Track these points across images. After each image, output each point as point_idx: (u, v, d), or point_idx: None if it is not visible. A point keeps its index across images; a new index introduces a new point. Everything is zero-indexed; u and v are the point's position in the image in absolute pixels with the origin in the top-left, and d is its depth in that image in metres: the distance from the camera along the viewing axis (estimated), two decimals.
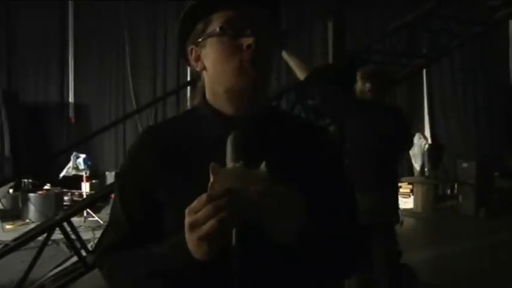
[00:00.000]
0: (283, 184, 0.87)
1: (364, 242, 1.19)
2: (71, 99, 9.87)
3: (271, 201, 0.85)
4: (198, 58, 1.08)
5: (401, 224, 3.23)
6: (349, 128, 3.28)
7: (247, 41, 0.99)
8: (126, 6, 9.38)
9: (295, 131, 1.14)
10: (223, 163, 0.90)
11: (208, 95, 1.10)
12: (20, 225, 6.76)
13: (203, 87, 1.11)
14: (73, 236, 3.64)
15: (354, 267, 1.12)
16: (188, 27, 1.07)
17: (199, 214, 0.84)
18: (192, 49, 1.09)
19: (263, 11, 1.04)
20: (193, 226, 0.85)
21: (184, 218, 0.87)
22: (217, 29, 1.01)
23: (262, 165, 0.88)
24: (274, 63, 1.09)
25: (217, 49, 1.02)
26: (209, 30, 1.03)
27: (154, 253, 0.99)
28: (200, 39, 1.05)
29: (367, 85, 3.12)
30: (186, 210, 0.86)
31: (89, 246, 4.01)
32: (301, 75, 3.30)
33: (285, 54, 3.50)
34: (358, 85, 3.18)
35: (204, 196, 0.84)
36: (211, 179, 0.86)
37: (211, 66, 1.05)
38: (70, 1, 9.76)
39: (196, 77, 1.13)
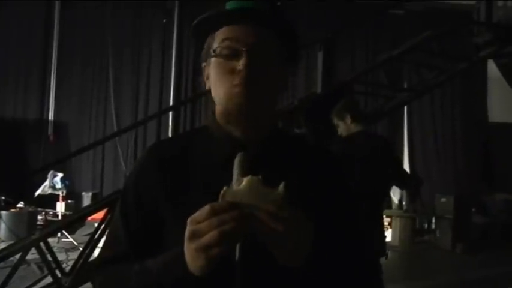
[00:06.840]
0: (294, 207, 0.84)
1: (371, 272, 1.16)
2: (50, 116, 9.69)
3: (280, 224, 0.82)
4: (208, 76, 1.07)
5: (387, 257, 3.20)
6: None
7: (238, 64, 0.97)
8: (111, 25, 9.33)
9: (304, 153, 1.12)
10: (229, 182, 0.87)
11: (216, 114, 1.08)
12: None
13: (213, 106, 1.09)
14: (48, 257, 3.53)
15: None
16: (201, 42, 1.06)
17: (202, 224, 0.82)
18: (204, 66, 1.08)
19: (265, 31, 0.99)
20: (194, 235, 0.83)
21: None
22: (212, 51, 1.00)
23: (281, 186, 0.85)
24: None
25: (214, 70, 1.01)
26: (211, 49, 1.02)
27: (148, 267, 0.96)
28: (206, 59, 1.05)
29: (348, 117, 3.18)
30: (189, 220, 0.84)
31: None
32: None
33: None
34: (340, 122, 3.23)
35: (207, 207, 0.82)
36: (224, 188, 0.85)
37: (212, 86, 1.04)
38: (55, 17, 9.66)
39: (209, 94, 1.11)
